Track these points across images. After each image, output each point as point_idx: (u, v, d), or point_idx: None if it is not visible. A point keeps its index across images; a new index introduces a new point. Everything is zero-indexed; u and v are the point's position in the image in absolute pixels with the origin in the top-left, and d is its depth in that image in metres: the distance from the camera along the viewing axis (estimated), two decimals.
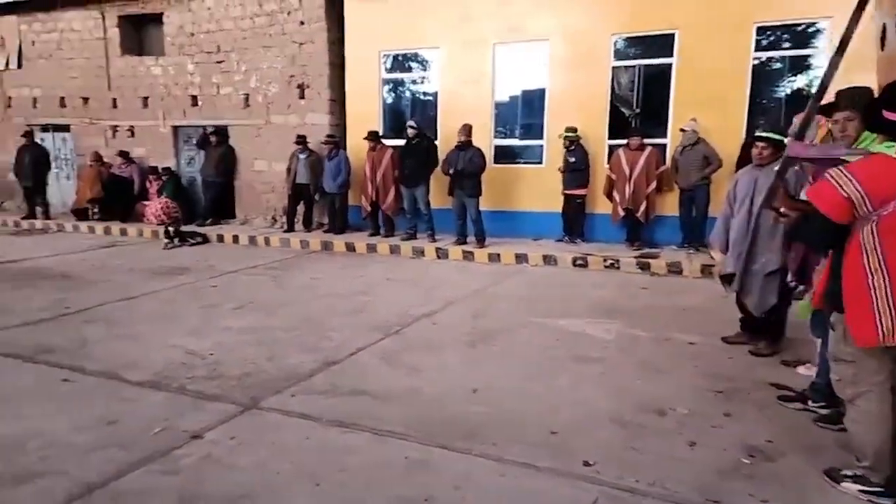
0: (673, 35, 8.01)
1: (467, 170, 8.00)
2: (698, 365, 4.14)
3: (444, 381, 3.85)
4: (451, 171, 8.07)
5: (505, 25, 8.72)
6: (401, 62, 9.72)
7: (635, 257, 7.41)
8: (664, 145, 8.21)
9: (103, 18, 11.32)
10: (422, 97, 9.78)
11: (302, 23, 9.77)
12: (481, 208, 8.23)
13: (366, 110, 9.64)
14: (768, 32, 7.73)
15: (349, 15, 9.58)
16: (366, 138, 8.93)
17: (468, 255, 8.03)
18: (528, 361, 4.23)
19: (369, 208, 9.09)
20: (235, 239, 9.46)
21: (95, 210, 11.11)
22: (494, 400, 3.55)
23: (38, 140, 11.61)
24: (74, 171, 11.73)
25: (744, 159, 5.79)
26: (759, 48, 7.74)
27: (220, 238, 9.53)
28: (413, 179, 8.50)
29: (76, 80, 11.77)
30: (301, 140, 9.48)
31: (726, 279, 4.35)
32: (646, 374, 3.98)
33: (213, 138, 10.35)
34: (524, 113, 9.21)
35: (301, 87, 9.94)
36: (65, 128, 12.13)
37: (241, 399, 3.53)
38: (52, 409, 3.39)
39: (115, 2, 11.12)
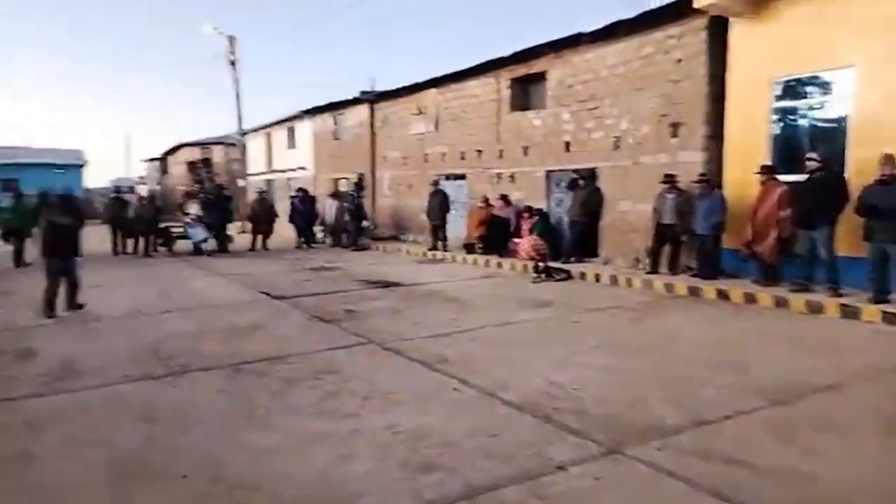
0: None
1: (893, 209, 6.33)
2: None
3: (853, 474, 3.02)
4: (862, 211, 6.56)
5: None
6: (794, 87, 8.43)
7: None
8: None
9: (498, 82, 13.30)
10: (822, 125, 8.24)
11: (679, 60, 9.48)
12: None
13: (750, 144, 8.63)
14: None
15: (735, 43, 8.82)
16: (757, 173, 8.01)
17: (890, 318, 6.27)
18: None
19: (747, 251, 8.07)
20: (597, 277, 9.62)
21: (480, 245, 12.93)
22: None
23: (441, 187, 14.26)
24: (466, 212, 13.95)
25: None
26: None
27: (583, 276, 9.83)
28: (813, 219, 7.15)
29: (473, 136, 14.08)
30: (669, 179, 9.12)
31: None
32: None
33: (581, 182, 10.88)
34: None
35: (674, 125, 9.61)
36: (462, 176, 14.62)
37: (603, 440, 3.44)
38: (446, 413, 3.93)
39: (508, 66, 12.92)
